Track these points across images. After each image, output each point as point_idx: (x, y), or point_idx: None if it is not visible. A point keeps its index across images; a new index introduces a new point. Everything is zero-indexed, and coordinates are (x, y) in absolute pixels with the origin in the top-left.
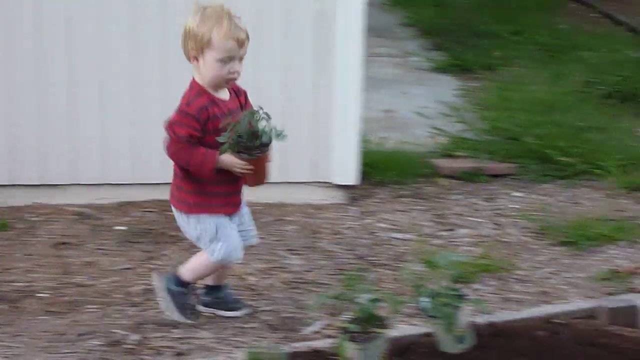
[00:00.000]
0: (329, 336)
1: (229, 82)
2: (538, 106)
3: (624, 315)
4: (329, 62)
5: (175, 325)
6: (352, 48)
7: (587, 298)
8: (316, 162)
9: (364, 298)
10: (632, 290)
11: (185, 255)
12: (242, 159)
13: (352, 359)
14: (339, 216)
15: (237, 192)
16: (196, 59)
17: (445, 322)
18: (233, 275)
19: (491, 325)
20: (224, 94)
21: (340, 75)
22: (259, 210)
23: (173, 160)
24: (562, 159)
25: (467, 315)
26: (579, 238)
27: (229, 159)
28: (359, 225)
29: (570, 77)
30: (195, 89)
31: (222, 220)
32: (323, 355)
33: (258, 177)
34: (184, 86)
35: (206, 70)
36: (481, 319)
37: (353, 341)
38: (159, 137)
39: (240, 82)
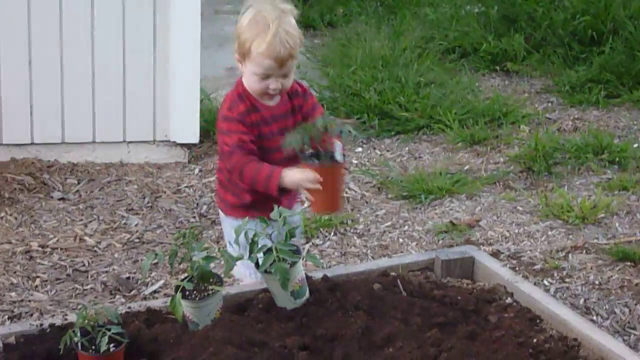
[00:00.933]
0: (167, 295)
1: (269, 97)
2: (379, 62)
3: (461, 267)
4: (165, 18)
5: (11, 288)
6: (189, 4)
7: (425, 251)
8: (156, 120)
9: (198, 255)
10: (469, 243)
11: (23, 217)
12: (312, 167)
13: (186, 316)
14: (179, 175)
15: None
16: (240, 62)
17: (281, 278)
18: (71, 237)
19: (327, 279)
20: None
21: (176, 32)
22: (98, 171)
23: (239, 180)
24: (403, 114)
25: (303, 271)
26: (419, 192)
27: (295, 175)
28: (200, 183)
29: (410, 33)
30: (238, 91)
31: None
32: (158, 314)
33: (328, 197)
34: None
35: (246, 79)
36: (317, 274)
37: (187, 299)
38: None
39: (79, 36)
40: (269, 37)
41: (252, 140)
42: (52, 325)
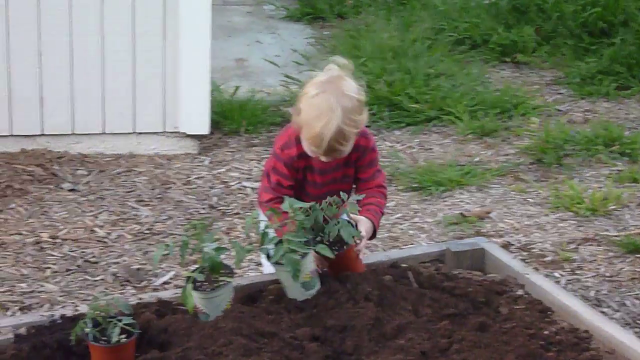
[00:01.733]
0: (178, 286)
1: None
2: (388, 54)
3: (471, 258)
4: (176, 9)
5: (21, 279)
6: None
7: (436, 242)
8: (166, 111)
9: (209, 247)
10: (479, 234)
11: (33, 208)
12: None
13: (197, 307)
14: (190, 166)
15: None
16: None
17: (292, 269)
18: (81, 228)
19: None
20: None
21: (187, 23)
22: (107, 162)
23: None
24: (413, 105)
25: (314, 262)
26: (429, 184)
27: None
28: (210, 174)
29: (420, 24)
30: (293, 134)
31: None
32: (169, 305)
33: (336, 267)
34: None
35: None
36: None
37: (198, 290)
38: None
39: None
40: (319, 127)
41: (290, 185)
42: (63, 316)
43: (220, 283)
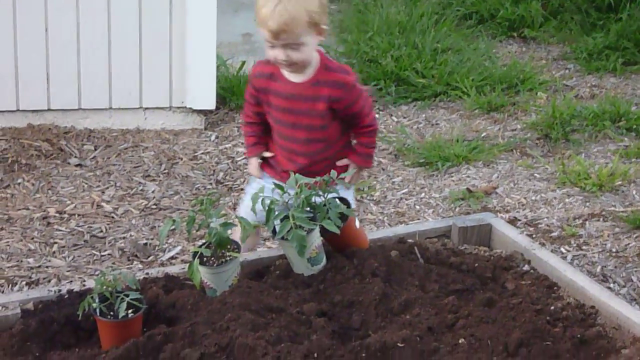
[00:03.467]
0: (184, 261)
1: (286, 68)
2: (395, 28)
3: (478, 234)
4: None
5: (28, 254)
6: None
7: (442, 218)
8: (172, 87)
9: (216, 222)
10: (486, 210)
11: (40, 183)
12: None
13: (204, 282)
14: (196, 141)
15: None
16: None
17: (297, 245)
18: (88, 203)
19: None
20: (297, 75)
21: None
22: (114, 137)
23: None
24: (420, 80)
25: (320, 238)
26: (435, 159)
27: (253, 171)
28: (216, 150)
29: None
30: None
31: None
32: (176, 281)
33: (337, 244)
34: None
35: None
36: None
37: (205, 265)
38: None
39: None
40: (263, 9)
41: (253, 108)
42: (70, 291)
43: (227, 258)
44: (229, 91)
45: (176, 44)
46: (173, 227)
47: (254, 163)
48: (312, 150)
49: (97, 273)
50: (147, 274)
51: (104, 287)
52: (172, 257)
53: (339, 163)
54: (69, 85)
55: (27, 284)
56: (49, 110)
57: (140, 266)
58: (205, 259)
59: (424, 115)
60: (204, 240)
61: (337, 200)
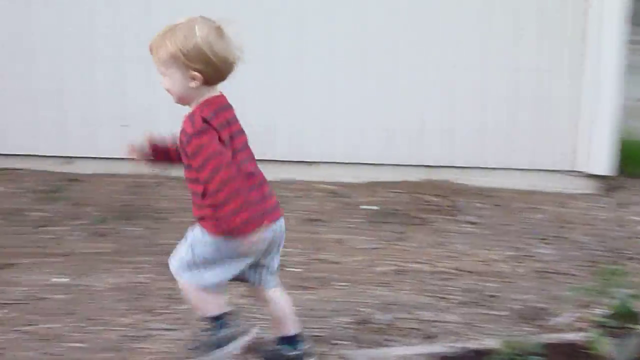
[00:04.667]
0: (580, 329)
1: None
2: None
3: None
4: (584, 49)
5: (423, 307)
6: (610, 34)
7: None
8: (568, 150)
9: (621, 293)
10: None
11: (433, 238)
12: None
13: (608, 354)
14: (591, 207)
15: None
16: None
17: None
18: (480, 261)
19: None
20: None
21: (593, 61)
22: (506, 197)
23: None
24: None
25: None
26: None
27: None
28: (612, 216)
29: None
30: None
31: None
32: (576, 348)
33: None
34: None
35: None
36: None
37: (610, 336)
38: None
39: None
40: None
41: None
42: (471, 350)
43: (630, 330)
44: (624, 157)
45: (574, 108)
46: (579, 293)
47: None
48: None
49: (491, 332)
50: (548, 339)
51: (511, 348)
52: (566, 324)
53: None
54: (472, 140)
55: (424, 337)
56: (448, 166)
57: (529, 329)
58: (608, 329)
59: None
60: (600, 310)
61: None
